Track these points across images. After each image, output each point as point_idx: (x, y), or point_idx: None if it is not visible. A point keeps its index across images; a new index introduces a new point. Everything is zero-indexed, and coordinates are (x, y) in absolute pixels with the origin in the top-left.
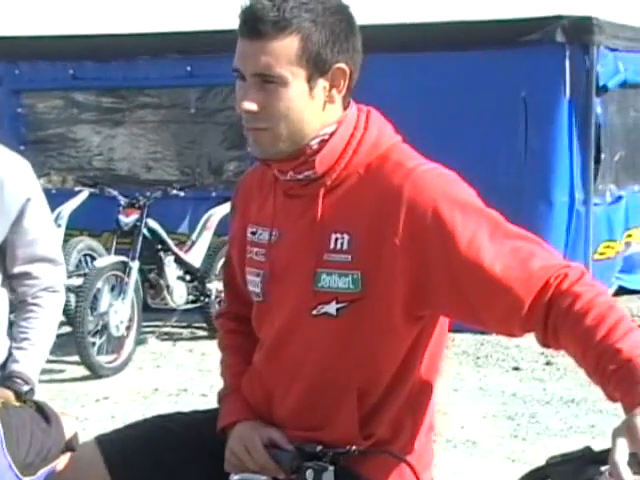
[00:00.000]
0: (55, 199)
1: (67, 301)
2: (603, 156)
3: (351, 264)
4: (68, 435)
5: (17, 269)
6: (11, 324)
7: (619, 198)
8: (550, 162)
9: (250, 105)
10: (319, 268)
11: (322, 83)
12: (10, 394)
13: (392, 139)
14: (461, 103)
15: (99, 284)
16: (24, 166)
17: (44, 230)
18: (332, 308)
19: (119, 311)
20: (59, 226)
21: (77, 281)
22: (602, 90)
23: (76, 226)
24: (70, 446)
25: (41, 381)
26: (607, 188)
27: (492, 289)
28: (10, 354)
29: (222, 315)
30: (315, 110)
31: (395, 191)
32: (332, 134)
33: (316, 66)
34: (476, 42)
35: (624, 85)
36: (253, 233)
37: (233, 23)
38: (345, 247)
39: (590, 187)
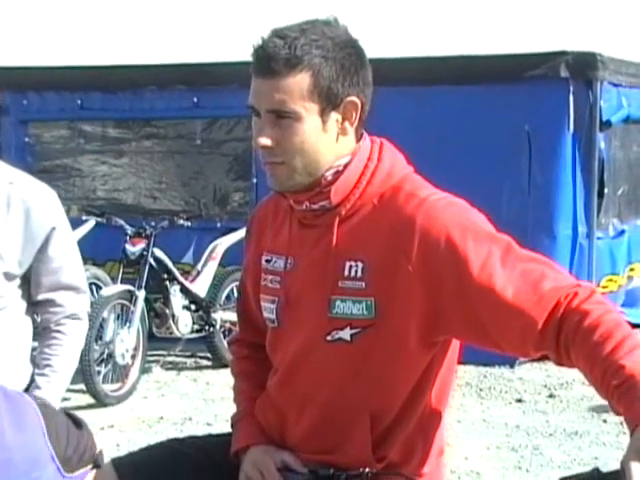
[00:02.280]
0: None
1: None
2: (606, 190)
3: (365, 291)
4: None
5: (41, 296)
6: (33, 350)
7: (622, 232)
8: (554, 196)
9: (265, 141)
10: (334, 295)
11: (335, 116)
12: None
13: (404, 170)
14: (466, 137)
15: (105, 313)
16: (50, 195)
17: (69, 258)
18: (346, 334)
19: (125, 340)
20: None
21: None
22: (606, 125)
23: (82, 255)
24: (98, 460)
25: None
26: (610, 222)
27: (505, 312)
28: (33, 380)
29: (235, 342)
30: (329, 143)
31: (408, 220)
32: (346, 165)
33: (328, 100)
34: (481, 76)
35: (627, 120)
36: (268, 261)
37: (239, 55)
38: (359, 274)
39: (593, 221)
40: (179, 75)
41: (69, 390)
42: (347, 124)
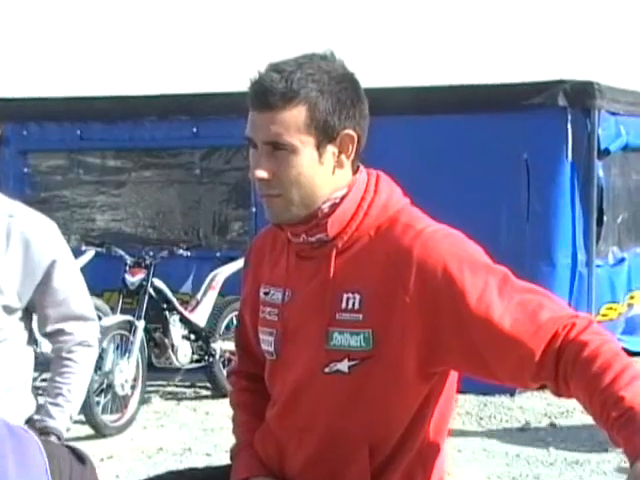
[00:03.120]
0: None
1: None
2: (605, 218)
3: (362, 323)
4: None
5: (50, 327)
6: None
7: (621, 260)
8: (552, 224)
9: (262, 173)
10: (331, 327)
11: (331, 149)
12: None
13: (401, 202)
14: (464, 166)
15: (104, 343)
16: (50, 227)
17: (73, 289)
18: (344, 366)
19: (124, 370)
20: None
21: None
22: (604, 153)
23: None
24: None
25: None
26: (610, 250)
27: (503, 344)
28: (39, 409)
29: (234, 373)
30: (325, 175)
31: (405, 251)
32: (343, 197)
33: (324, 133)
34: (479, 105)
35: (626, 148)
36: (266, 293)
37: (238, 85)
38: (357, 306)
39: (592, 249)
40: (178, 105)
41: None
42: (343, 157)
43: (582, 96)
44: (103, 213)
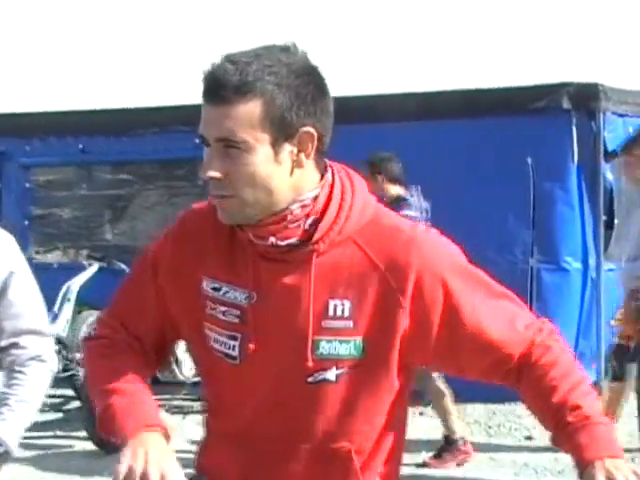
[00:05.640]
0: (63, 273)
1: (76, 375)
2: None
3: (353, 330)
4: None
5: (4, 342)
6: None
7: None
8: (560, 229)
9: (214, 173)
10: (317, 335)
11: (288, 147)
12: None
13: (373, 200)
14: (469, 170)
15: None
16: (6, 239)
17: (30, 303)
18: (332, 374)
19: None
20: (68, 300)
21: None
22: (612, 155)
23: (83, 300)
24: None
25: (48, 455)
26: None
27: (484, 349)
28: None
29: (97, 338)
30: (282, 175)
31: (402, 260)
32: (315, 198)
33: (281, 130)
34: (483, 110)
35: None
36: (216, 289)
37: None
38: (346, 314)
39: (601, 252)
40: (180, 116)
41: (72, 437)
42: (302, 156)
43: (586, 98)
44: (106, 227)
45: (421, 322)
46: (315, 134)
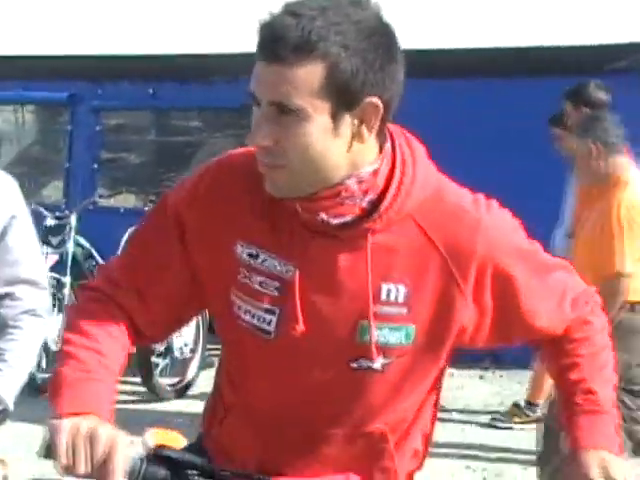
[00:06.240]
0: (129, 218)
1: None
2: None
3: (406, 317)
4: None
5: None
6: None
7: None
8: None
9: (263, 140)
10: (366, 320)
11: (349, 119)
12: None
13: (435, 172)
14: (531, 134)
15: None
16: (10, 183)
17: (28, 251)
18: (378, 363)
19: (183, 333)
20: None
21: None
22: None
23: None
24: None
25: None
26: None
27: (532, 332)
28: None
29: (94, 289)
30: (340, 149)
31: (466, 247)
32: (375, 173)
33: (343, 99)
34: (558, 69)
35: None
36: (253, 256)
37: None
38: (400, 299)
39: None
40: (252, 65)
41: (126, 382)
42: (364, 129)
43: None
44: (174, 173)
45: (479, 310)
46: (380, 105)
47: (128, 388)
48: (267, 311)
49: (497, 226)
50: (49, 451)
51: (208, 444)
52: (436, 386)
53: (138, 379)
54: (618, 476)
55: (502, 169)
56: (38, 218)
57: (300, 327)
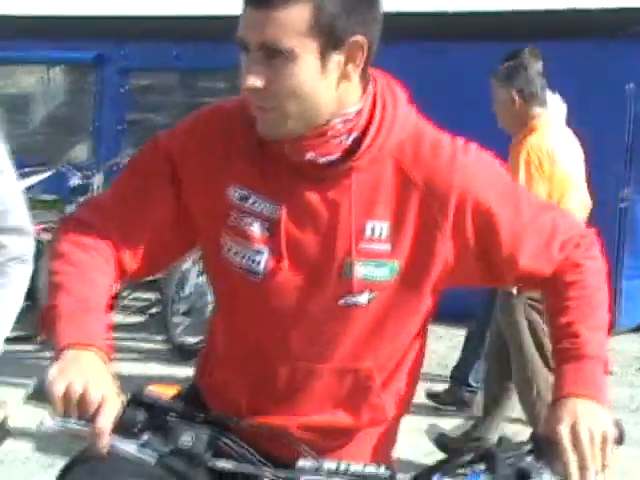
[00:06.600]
0: None
1: (160, 280)
2: None
3: (391, 253)
4: None
5: None
6: None
7: None
8: None
9: (255, 81)
10: (352, 257)
11: (336, 58)
12: None
13: (416, 115)
14: (566, 92)
15: (186, 265)
16: None
17: (14, 201)
18: (364, 298)
19: (206, 292)
20: None
21: None
22: None
23: None
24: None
25: (124, 359)
26: None
27: (519, 271)
28: None
29: (79, 221)
30: (328, 88)
31: (444, 182)
32: (359, 113)
33: (329, 38)
34: (584, 30)
35: None
36: (244, 198)
37: None
38: (384, 235)
39: None
40: None
41: (149, 341)
42: (350, 67)
43: None
44: None
45: (460, 246)
46: (365, 44)
47: (151, 346)
48: (256, 252)
49: (475, 163)
50: (39, 396)
51: (202, 389)
52: (421, 332)
53: (160, 337)
54: (583, 435)
55: None
56: (65, 178)
57: (285, 264)
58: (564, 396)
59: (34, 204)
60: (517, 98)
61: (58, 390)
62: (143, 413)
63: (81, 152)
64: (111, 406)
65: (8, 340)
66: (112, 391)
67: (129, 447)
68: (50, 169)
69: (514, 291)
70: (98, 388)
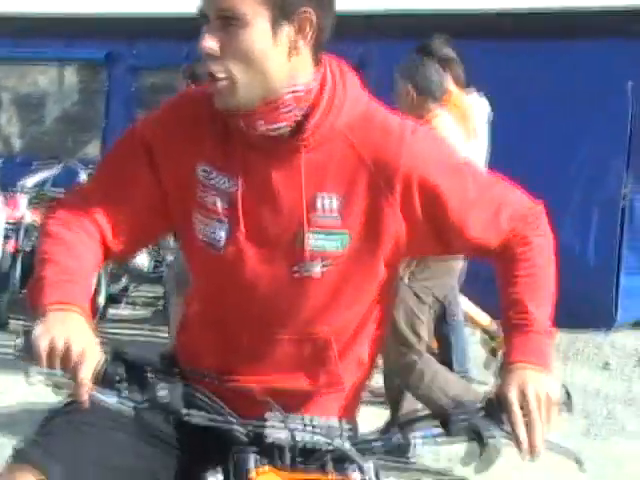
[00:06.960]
0: None
1: (164, 276)
2: None
3: (341, 224)
4: None
5: None
6: None
7: None
8: None
9: (210, 43)
10: (303, 228)
11: (287, 28)
12: None
13: (367, 97)
14: (562, 94)
15: None
16: None
17: None
18: (316, 268)
19: None
20: None
21: (171, 257)
22: None
23: None
24: None
25: (134, 348)
26: None
27: (468, 242)
28: None
29: (65, 207)
30: (279, 57)
31: (391, 161)
32: (309, 90)
33: (281, 8)
34: (584, 30)
35: None
36: (207, 173)
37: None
38: (334, 207)
39: None
40: None
41: (158, 331)
42: (301, 41)
43: None
44: None
45: (409, 220)
46: (314, 19)
47: (157, 341)
48: (218, 225)
49: (422, 141)
50: (26, 352)
51: (178, 351)
52: (379, 301)
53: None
54: (531, 396)
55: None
56: (75, 173)
57: (242, 235)
58: (513, 362)
59: (44, 198)
60: (412, 92)
61: (43, 345)
62: (122, 368)
63: (92, 149)
64: (92, 359)
65: None
66: (93, 345)
67: (109, 399)
68: (60, 163)
69: (406, 279)
70: (79, 343)
